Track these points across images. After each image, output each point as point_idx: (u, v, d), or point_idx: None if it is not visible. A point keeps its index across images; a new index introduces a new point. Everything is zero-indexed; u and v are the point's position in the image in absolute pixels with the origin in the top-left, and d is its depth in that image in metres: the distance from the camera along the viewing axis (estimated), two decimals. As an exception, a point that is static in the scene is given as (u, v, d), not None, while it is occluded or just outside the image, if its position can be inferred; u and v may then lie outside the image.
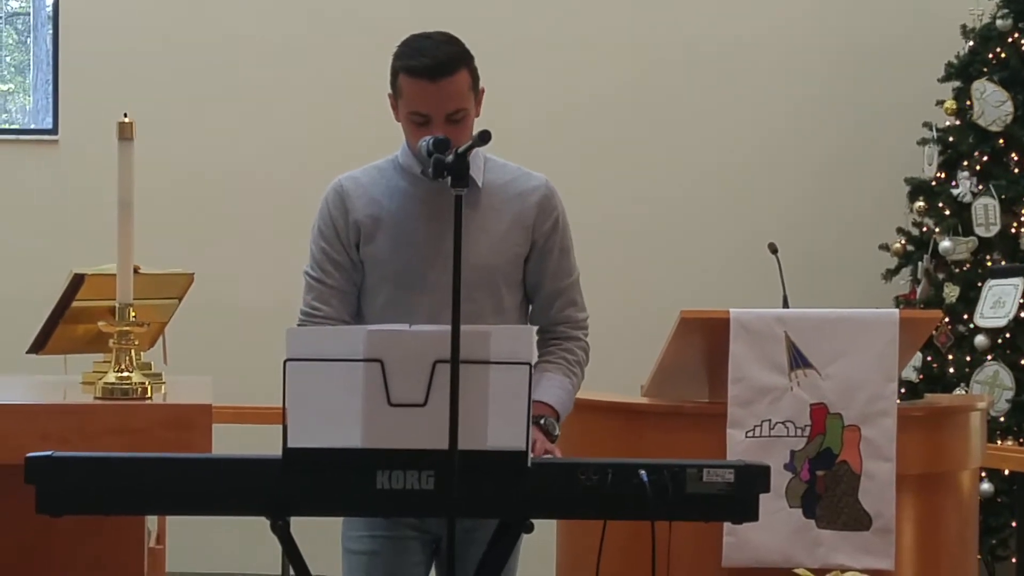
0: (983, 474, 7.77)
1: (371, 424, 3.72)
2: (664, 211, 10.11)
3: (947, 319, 9.04)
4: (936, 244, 9.26)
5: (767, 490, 4.01)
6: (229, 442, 4.92)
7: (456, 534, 3.68)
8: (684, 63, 10.16)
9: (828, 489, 5.49)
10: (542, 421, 4.47)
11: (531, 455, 4.25)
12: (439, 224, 4.42)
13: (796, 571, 5.29)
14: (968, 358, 8.99)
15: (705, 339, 5.58)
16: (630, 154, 10.10)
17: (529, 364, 3.76)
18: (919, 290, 9.36)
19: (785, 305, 5.99)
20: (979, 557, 6.62)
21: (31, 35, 10.91)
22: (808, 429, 5.49)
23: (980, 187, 9.20)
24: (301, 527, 3.87)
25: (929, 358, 9.08)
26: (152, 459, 4.02)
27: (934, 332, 8.77)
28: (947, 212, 9.30)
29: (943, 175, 9.42)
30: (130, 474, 3.91)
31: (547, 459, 4.22)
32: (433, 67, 4.41)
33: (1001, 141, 9.26)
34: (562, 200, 4.71)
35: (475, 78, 4.50)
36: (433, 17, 5.27)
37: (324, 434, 3.74)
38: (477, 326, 3.91)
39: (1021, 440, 8.79)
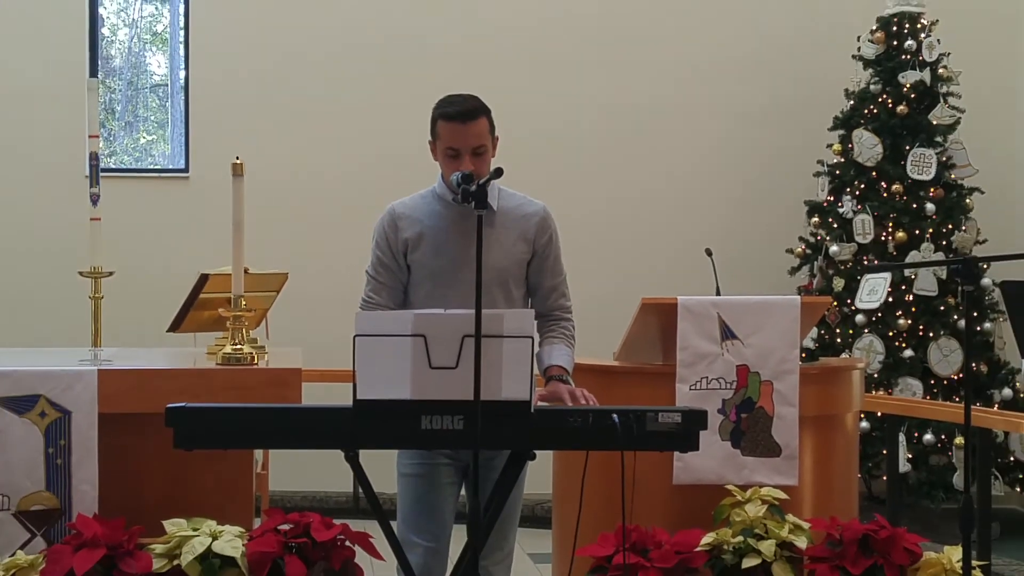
0: (862, 416, 7.75)
1: (417, 381, 3.73)
2: (633, 226, 10.09)
3: (835, 303, 9.02)
4: (827, 249, 9.23)
5: (705, 427, 4.02)
6: (314, 396, 4.92)
7: (479, 462, 3.68)
8: (646, 113, 10.13)
9: (749, 427, 5.48)
10: (563, 377, 4.55)
11: (573, 402, 4.31)
12: (466, 238, 4.44)
13: (727, 487, 5.29)
14: (851, 331, 8.98)
15: (660, 318, 5.57)
16: (609, 184, 10.09)
17: (531, 338, 3.79)
18: (815, 282, 9.34)
19: (718, 293, 5.97)
20: (859, 476, 6.60)
21: (169, 100, 10.90)
22: (735, 383, 5.48)
23: (859, 207, 9.17)
24: (367, 457, 3.87)
25: (822, 331, 9.07)
26: (258, 408, 4.03)
27: (826, 313, 8.76)
28: (835, 225, 9.28)
29: (832, 198, 9.40)
30: (242, 419, 3.92)
31: (545, 406, 4.22)
32: (463, 113, 4.46)
33: (874, 173, 9.24)
34: (555, 220, 4.74)
35: (492, 125, 4.54)
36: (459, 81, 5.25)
37: (383, 389, 3.74)
38: (494, 310, 3.92)
39: (889, 391, 8.78)
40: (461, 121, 4.46)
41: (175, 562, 4.37)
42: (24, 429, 4.52)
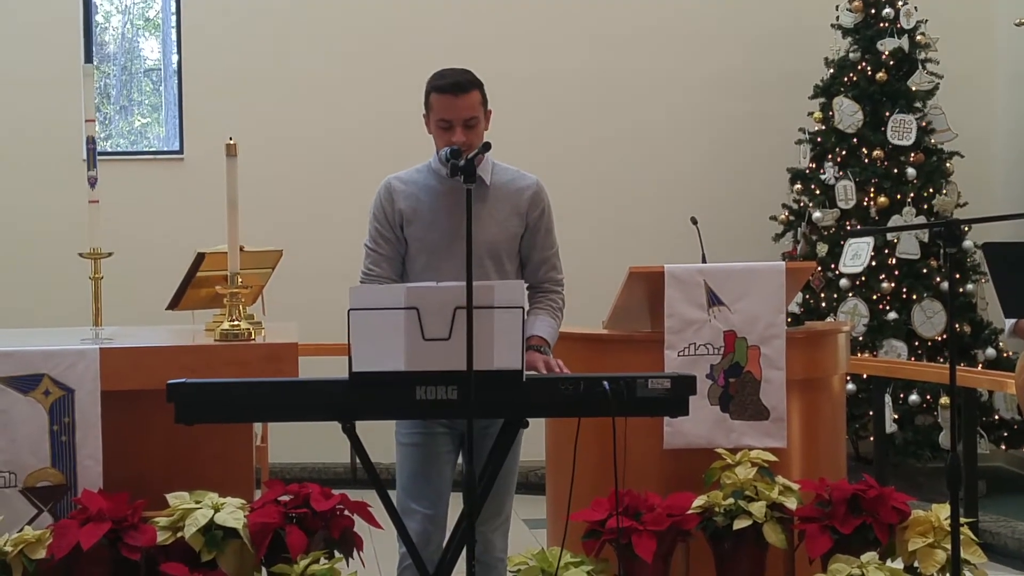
0: (848, 378, 7.77)
1: (411, 353, 3.74)
2: (619, 196, 10.10)
3: (819, 268, 9.02)
4: (810, 215, 9.24)
5: (694, 393, 4.03)
6: (311, 369, 4.92)
7: (474, 430, 3.69)
8: (630, 85, 10.13)
9: (738, 391, 5.49)
10: (540, 348, 4.50)
11: (547, 371, 4.32)
12: (459, 211, 4.40)
13: (716, 450, 5.30)
14: (835, 295, 8.99)
15: (647, 287, 5.57)
16: (595, 155, 10.10)
17: (522, 308, 3.79)
18: (799, 248, 9.34)
19: (704, 261, 5.96)
20: (846, 437, 6.61)
21: (163, 83, 10.86)
22: (722, 349, 5.49)
23: (841, 173, 9.18)
24: (363, 428, 3.88)
25: (807, 296, 9.07)
26: (256, 382, 4.04)
27: (810, 277, 8.72)
28: (817, 192, 9.28)
29: (814, 165, 9.40)
30: (241, 393, 3.93)
31: (535, 375, 4.24)
32: (455, 85, 4.48)
33: (855, 140, 9.23)
34: (548, 194, 4.74)
35: (484, 99, 4.56)
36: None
37: (378, 361, 3.75)
38: (485, 282, 3.93)
39: (874, 353, 8.79)
40: (453, 93, 4.48)
41: (179, 534, 4.38)
42: (29, 407, 4.54)
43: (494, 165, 4.67)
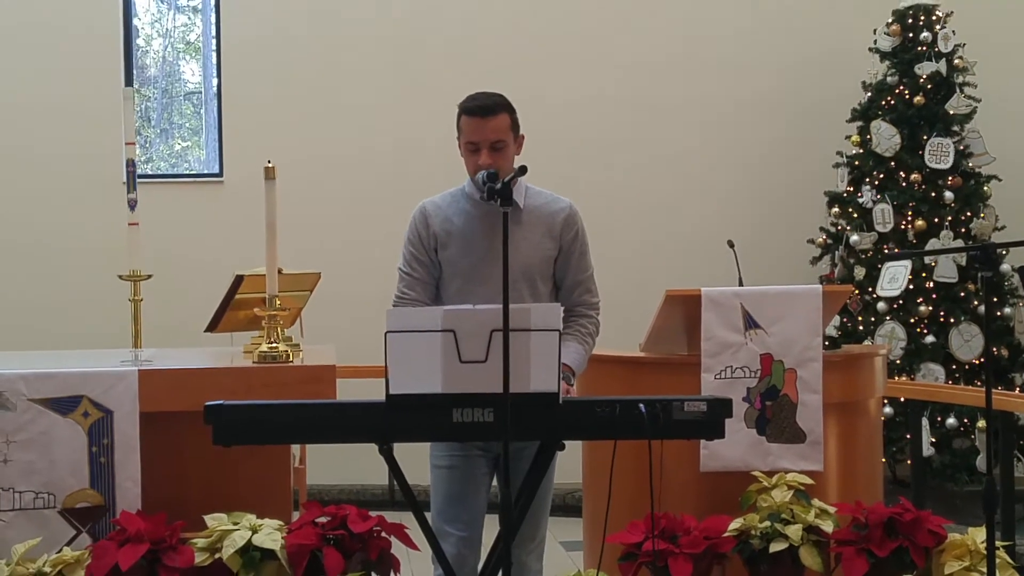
0: (885, 401, 7.74)
1: (448, 375, 3.74)
2: (655, 219, 10.10)
3: (857, 291, 9.01)
4: (847, 238, 9.21)
5: (730, 415, 4.02)
6: (348, 392, 4.92)
7: (509, 452, 3.68)
8: (667, 107, 10.14)
9: (774, 414, 5.46)
10: (565, 375, 4.49)
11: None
12: (493, 235, 4.46)
13: (753, 473, 5.28)
14: (872, 319, 8.96)
15: (684, 310, 5.56)
16: (631, 177, 10.10)
17: (558, 331, 3.79)
18: (836, 271, 9.32)
19: (740, 284, 5.95)
20: (883, 460, 6.58)
21: (203, 107, 10.93)
22: (759, 372, 5.47)
23: (878, 196, 9.15)
24: (400, 450, 3.88)
25: (845, 319, 9.05)
26: (294, 404, 4.04)
27: (848, 301, 8.74)
28: (855, 215, 9.26)
29: (851, 189, 9.38)
30: (279, 415, 3.94)
31: (572, 397, 4.23)
32: (483, 107, 4.51)
33: (892, 163, 9.22)
34: (582, 217, 4.75)
35: (515, 124, 4.57)
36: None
37: (415, 383, 3.75)
38: (521, 304, 3.93)
39: (912, 376, 8.75)
40: (481, 115, 4.50)
41: (216, 555, 4.39)
42: (68, 429, 4.56)
43: (527, 188, 4.68)
